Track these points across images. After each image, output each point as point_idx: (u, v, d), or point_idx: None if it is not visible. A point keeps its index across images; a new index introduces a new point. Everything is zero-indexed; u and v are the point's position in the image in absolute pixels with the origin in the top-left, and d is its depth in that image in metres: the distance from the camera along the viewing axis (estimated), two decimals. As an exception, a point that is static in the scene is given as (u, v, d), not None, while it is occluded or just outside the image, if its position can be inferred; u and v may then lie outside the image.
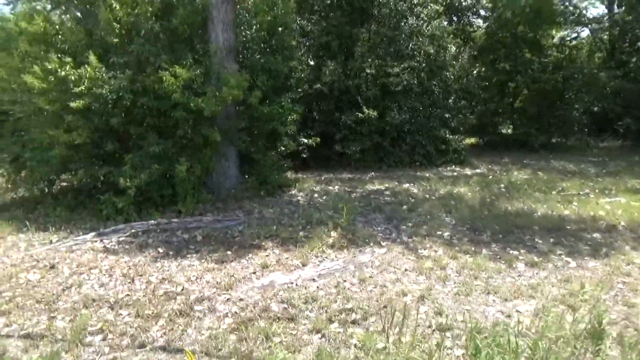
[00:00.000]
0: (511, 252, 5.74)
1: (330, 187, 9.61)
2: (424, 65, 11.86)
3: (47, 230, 6.83)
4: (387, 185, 9.72)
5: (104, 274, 5.27)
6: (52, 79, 6.76)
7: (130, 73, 6.76)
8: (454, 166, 12.26)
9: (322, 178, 10.68)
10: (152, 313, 4.23)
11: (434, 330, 3.84)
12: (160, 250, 5.98)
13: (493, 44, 15.39)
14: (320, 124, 11.90)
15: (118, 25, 7.17)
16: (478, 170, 11.63)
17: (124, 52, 7.19)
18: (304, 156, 11.36)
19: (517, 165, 12.36)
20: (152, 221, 6.86)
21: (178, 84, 6.80)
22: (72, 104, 6.61)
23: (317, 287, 4.78)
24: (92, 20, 7.13)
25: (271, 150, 8.82)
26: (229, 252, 5.82)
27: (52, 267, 5.46)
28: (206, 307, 4.45)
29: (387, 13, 11.77)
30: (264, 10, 8.34)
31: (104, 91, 6.57)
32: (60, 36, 7.26)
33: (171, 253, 5.89)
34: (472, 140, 16.75)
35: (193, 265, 5.50)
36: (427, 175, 11.08)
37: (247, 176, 9.04)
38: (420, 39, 11.85)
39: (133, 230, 6.51)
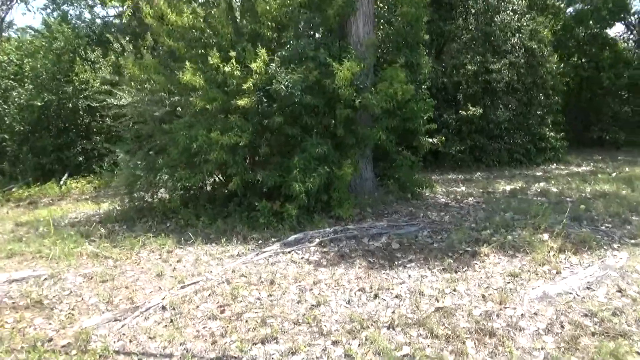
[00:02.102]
0: None
1: (459, 189, 9.05)
2: (522, 60, 11.40)
3: (214, 242, 6.17)
4: (518, 184, 9.20)
5: (336, 289, 4.65)
6: (213, 76, 6.12)
7: (302, 68, 6.15)
8: (554, 164, 11.78)
9: (437, 179, 10.12)
10: (445, 333, 3.65)
11: None
12: (370, 259, 5.37)
13: (567, 39, 15.03)
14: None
15: (270, 17, 6.56)
16: (586, 168, 11.16)
17: (278, 46, 6.57)
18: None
19: (618, 162, 11.92)
20: (328, 229, 6.24)
21: (347, 79, 6.20)
22: (240, 102, 5.98)
23: (596, 295, 4.23)
24: (241, 13, 6.51)
25: (407, 150, 8.24)
26: (450, 261, 5.22)
27: (272, 282, 4.83)
28: (503, 323, 3.86)
29: (479, 8, 11.29)
30: (407, 1, 7.79)
31: (281, 87, 5.94)
32: (208, 30, 6.62)
33: (383, 263, 5.28)
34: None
35: (426, 276, 4.91)
36: (539, 174, 10.59)
37: (378, 178, 8.45)
38: (519, 34, 11.39)
39: (318, 240, 5.88)
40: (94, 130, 13.94)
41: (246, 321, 4.08)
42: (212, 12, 6.62)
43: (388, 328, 3.89)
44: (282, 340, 3.78)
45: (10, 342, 3.83)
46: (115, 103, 6.85)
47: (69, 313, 4.36)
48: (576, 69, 14.79)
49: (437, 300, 4.32)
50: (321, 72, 6.30)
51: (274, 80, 6.07)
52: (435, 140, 9.10)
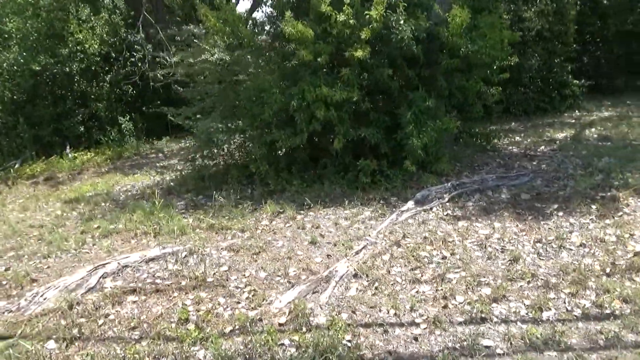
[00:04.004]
0: None
1: (515, 139, 9.10)
2: (550, 8, 11.40)
3: (334, 206, 5.85)
4: (569, 131, 9.37)
5: (511, 242, 4.55)
6: (323, 26, 5.61)
7: (422, 14, 5.75)
8: (577, 111, 12.11)
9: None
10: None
11: None
12: (517, 211, 5.28)
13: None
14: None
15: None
16: (608, 113, 11.54)
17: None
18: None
19: (629, 106, 12.40)
20: (446, 184, 6.07)
21: (460, 27, 5.89)
22: (357, 53, 5.54)
23: None
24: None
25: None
26: (594, 207, 5.22)
27: (443, 241, 4.64)
28: None
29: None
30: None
31: (403, 36, 5.52)
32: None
33: (532, 213, 5.21)
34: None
35: (587, 223, 4.88)
36: (573, 120, 10.86)
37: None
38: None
39: (447, 196, 5.70)
40: (92, 97, 12.71)
41: (456, 282, 3.89)
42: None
43: (608, 276, 3.83)
44: (513, 297, 3.63)
45: (211, 325, 3.45)
46: (205, 58, 6.09)
47: (251, 290, 3.97)
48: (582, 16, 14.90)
49: (626, 246, 4.30)
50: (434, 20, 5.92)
51: (392, 29, 5.63)
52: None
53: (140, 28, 12.52)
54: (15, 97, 11.34)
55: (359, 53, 5.51)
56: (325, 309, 3.63)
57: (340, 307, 3.64)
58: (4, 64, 11.11)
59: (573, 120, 10.90)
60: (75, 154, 11.20)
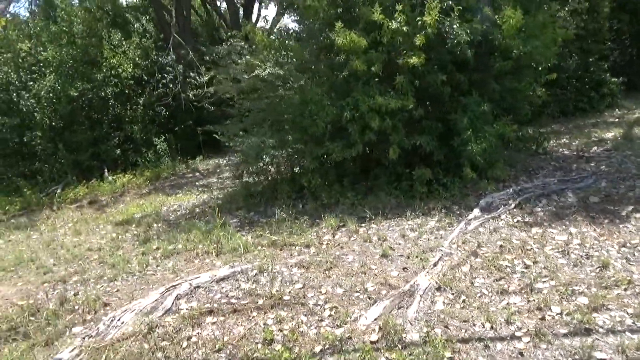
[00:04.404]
0: None
1: (561, 141, 8.86)
2: (584, 6, 11.20)
3: (394, 217, 5.72)
4: (617, 131, 9.09)
5: (594, 248, 4.35)
6: (375, 35, 5.54)
7: (476, 17, 5.65)
8: (616, 110, 11.80)
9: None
10: None
11: None
12: (591, 215, 5.07)
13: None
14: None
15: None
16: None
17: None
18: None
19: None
20: (508, 190, 5.91)
21: (514, 29, 5.76)
22: (411, 60, 5.44)
23: None
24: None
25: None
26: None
27: (522, 249, 4.47)
28: None
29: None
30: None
31: (460, 40, 5.42)
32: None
33: (607, 216, 5.00)
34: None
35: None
36: (616, 120, 10.56)
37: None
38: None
39: (513, 202, 5.52)
40: (126, 119, 12.87)
41: (547, 292, 3.71)
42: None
43: None
44: (614, 306, 3.44)
45: (298, 345, 3.34)
46: (257, 74, 6.07)
47: (332, 307, 3.85)
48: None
49: None
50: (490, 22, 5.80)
51: (446, 34, 5.54)
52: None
53: (171, 50, 12.69)
54: (53, 123, 11.52)
55: (414, 60, 5.42)
56: (415, 324, 3.49)
57: (430, 322, 3.50)
58: (42, 92, 11.33)
59: (616, 119, 10.60)
60: (114, 177, 11.30)
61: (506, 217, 5.22)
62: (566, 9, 10.93)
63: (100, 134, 12.24)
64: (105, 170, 12.01)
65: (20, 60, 11.45)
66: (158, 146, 12.59)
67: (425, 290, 3.89)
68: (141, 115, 12.82)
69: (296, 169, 7.46)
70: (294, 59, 6.08)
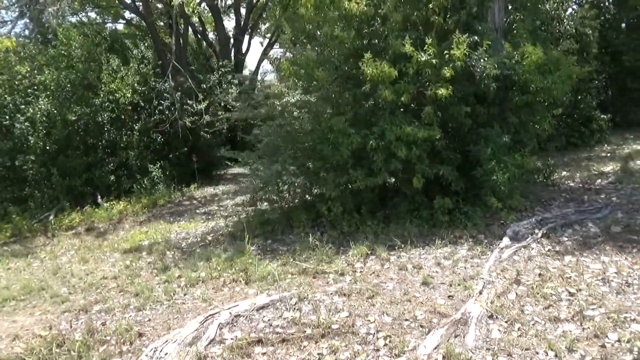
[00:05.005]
0: None
1: (562, 173, 9.14)
2: (575, 47, 11.78)
3: (422, 246, 5.73)
4: (614, 165, 9.44)
5: (629, 277, 4.45)
6: (399, 66, 5.69)
7: (493, 54, 5.87)
8: (605, 145, 12.30)
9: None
10: None
11: None
12: (619, 244, 5.20)
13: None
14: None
15: (437, 4, 6.21)
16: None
17: (444, 32, 6.25)
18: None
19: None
20: (531, 219, 6.02)
21: (535, 64, 6.02)
22: (440, 91, 5.59)
23: None
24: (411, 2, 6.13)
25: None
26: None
27: (561, 277, 4.52)
28: None
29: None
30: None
31: (489, 74, 5.61)
32: (378, 19, 6.15)
33: (635, 245, 5.13)
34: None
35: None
36: (608, 154, 11.00)
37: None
38: (570, 21, 11.78)
39: (540, 231, 5.62)
40: (121, 145, 12.64)
41: (600, 319, 3.75)
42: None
43: None
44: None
45: None
46: (288, 101, 6.08)
47: (385, 336, 3.79)
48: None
49: None
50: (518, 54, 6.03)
51: (472, 68, 5.73)
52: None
53: (170, 77, 12.65)
54: (47, 147, 11.20)
55: (443, 91, 5.57)
56: (477, 353, 3.46)
57: (492, 350, 3.47)
58: (37, 115, 11.06)
59: (608, 154, 11.03)
60: (110, 204, 10.99)
61: (537, 246, 5.30)
62: (558, 48, 11.46)
63: (95, 159, 11.95)
64: (99, 196, 11.68)
65: (16, 83, 11.17)
66: (153, 173, 12.36)
67: (479, 319, 3.87)
68: (137, 141, 12.62)
69: (309, 197, 7.45)
70: (322, 88, 6.13)
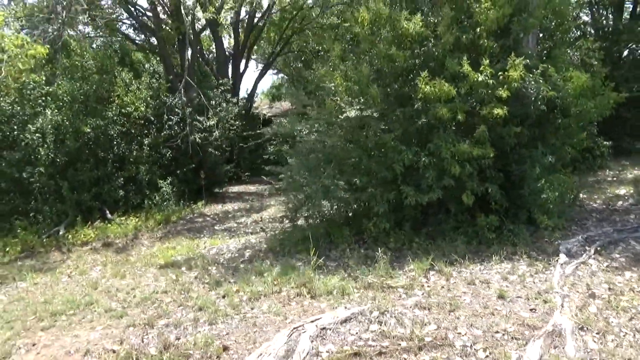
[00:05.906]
0: None
1: (581, 195, 9.44)
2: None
3: (479, 262, 5.81)
4: (627, 188, 9.83)
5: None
6: (462, 85, 5.88)
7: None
8: (608, 170, 12.79)
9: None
10: None
11: None
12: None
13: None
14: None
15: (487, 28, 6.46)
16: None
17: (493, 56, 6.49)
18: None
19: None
20: (578, 237, 6.19)
21: (580, 88, 6.31)
22: (496, 111, 5.79)
23: None
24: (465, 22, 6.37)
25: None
26: None
27: (632, 290, 4.66)
28: None
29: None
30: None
31: (544, 96, 5.84)
32: (432, 39, 6.34)
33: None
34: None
35: None
36: (614, 179, 11.43)
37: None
38: (576, 51, 12.37)
39: (591, 248, 5.80)
40: (130, 160, 12.40)
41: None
42: (436, 20, 6.36)
43: None
44: None
45: None
46: (348, 115, 6.13)
47: (484, 348, 3.82)
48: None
49: None
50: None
51: (525, 90, 5.96)
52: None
53: (182, 92, 12.61)
54: (57, 160, 10.88)
55: (499, 111, 5.75)
56: (594, 366, 3.51)
57: (596, 360, 3.54)
58: (49, 126, 10.77)
59: (614, 178, 11.48)
60: (123, 219, 10.72)
61: (594, 262, 5.45)
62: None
63: (104, 173, 11.66)
64: (107, 211, 11.38)
65: (27, 92, 10.89)
66: (164, 189, 12.14)
67: (572, 330, 3.94)
68: (146, 156, 12.41)
69: (350, 213, 7.47)
70: (374, 105, 6.24)
